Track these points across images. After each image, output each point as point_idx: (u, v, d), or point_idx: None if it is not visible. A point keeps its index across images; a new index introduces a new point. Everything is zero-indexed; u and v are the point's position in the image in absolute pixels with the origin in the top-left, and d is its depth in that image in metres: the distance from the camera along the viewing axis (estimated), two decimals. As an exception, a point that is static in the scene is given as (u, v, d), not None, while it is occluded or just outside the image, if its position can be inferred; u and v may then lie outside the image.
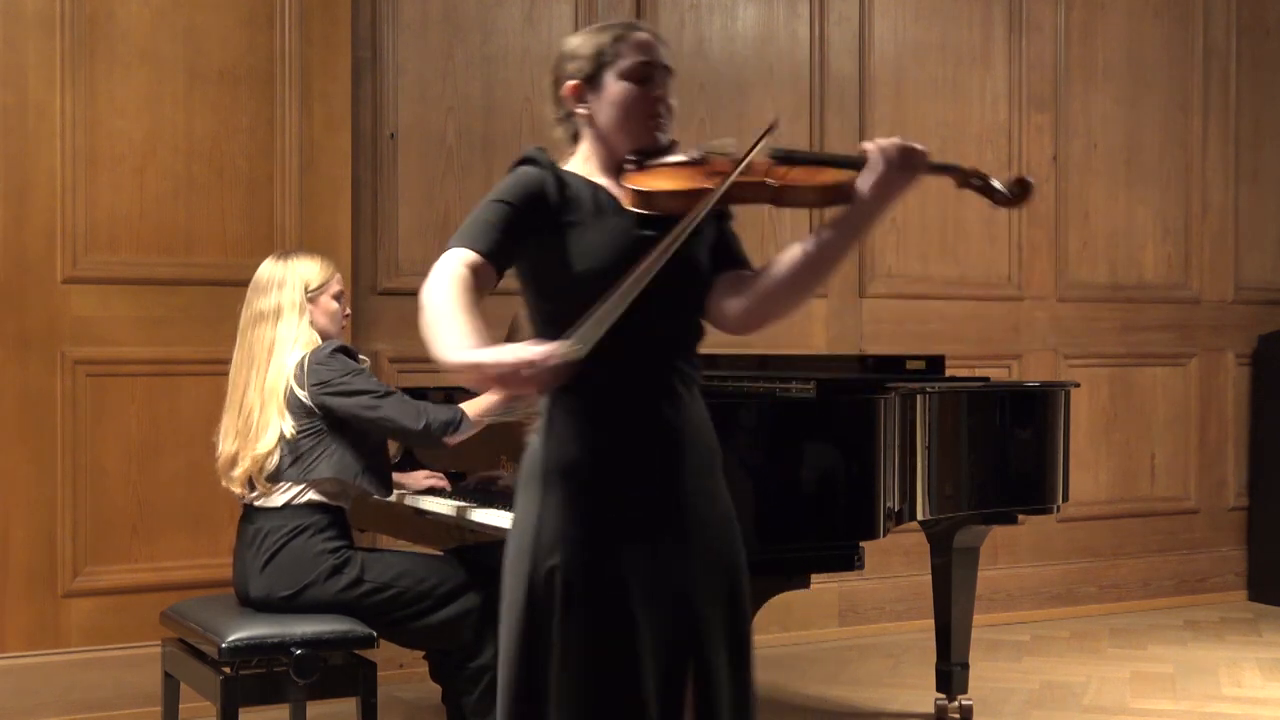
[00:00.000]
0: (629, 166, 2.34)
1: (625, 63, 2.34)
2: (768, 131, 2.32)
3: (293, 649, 3.31)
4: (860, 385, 3.96)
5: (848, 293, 5.79)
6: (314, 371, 3.52)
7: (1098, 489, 6.33)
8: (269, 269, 3.66)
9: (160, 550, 4.55)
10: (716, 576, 2.29)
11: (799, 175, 2.32)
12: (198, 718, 4.13)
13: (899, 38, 5.92)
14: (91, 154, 4.46)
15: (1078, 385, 4.72)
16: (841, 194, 2.27)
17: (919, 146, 2.25)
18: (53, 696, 4.40)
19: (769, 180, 2.30)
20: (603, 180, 2.34)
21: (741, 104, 5.59)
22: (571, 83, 2.36)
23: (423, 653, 3.96)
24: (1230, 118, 6.66)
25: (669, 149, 2.37)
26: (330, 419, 3.53)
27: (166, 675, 3.66)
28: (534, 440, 2.30)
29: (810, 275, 2.27)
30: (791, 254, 2.27)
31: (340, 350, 3.57)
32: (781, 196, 2.31)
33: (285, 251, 3.78)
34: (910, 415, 3.68)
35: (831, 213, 2.30)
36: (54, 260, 4.42)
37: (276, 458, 3.52)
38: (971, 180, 2.36)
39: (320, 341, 3.60)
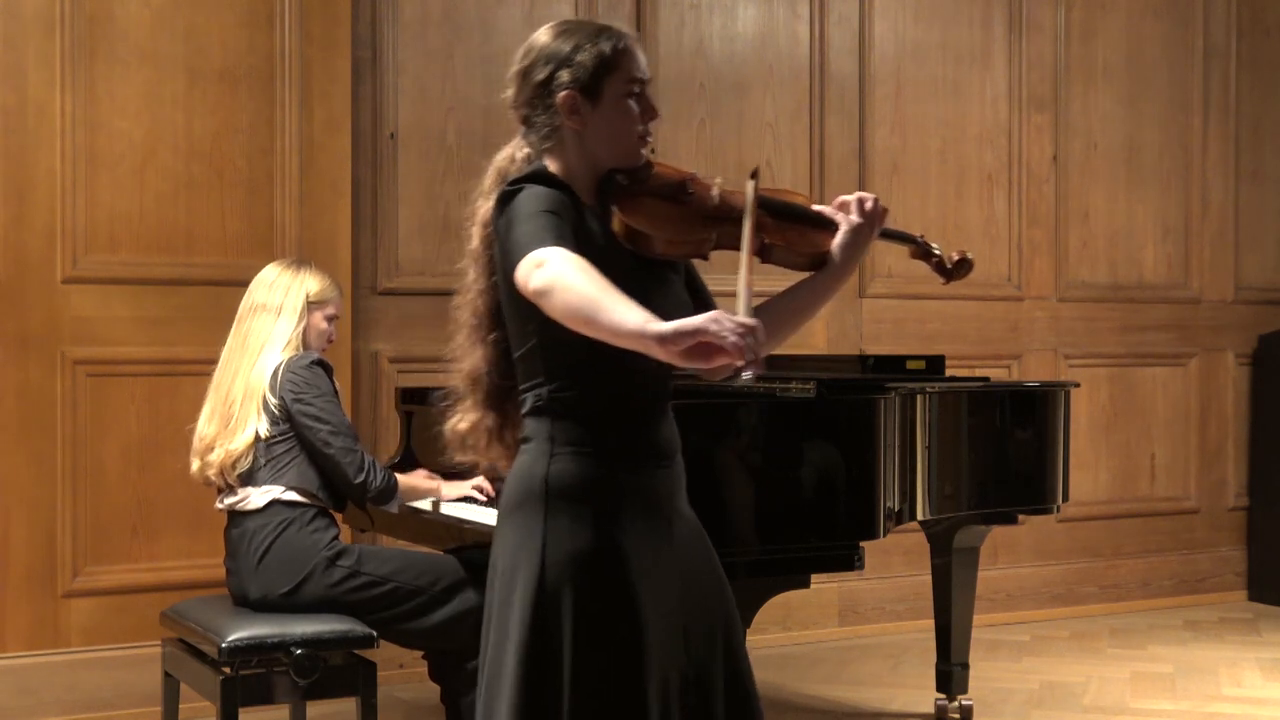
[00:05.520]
0: (619, 189, 2.22)
1: (627, 78, 2.23)
2: (754, 176, 2.21)
3: (292, 649, 3.31)
4: (860, 385, 3.95)
5: (848, 293, 5.78)
6: (288, 379, 3.56)
7: (1098, 489, 6.33)
8: (276, 272, 3.71)
9: (160, 550, 4.55)
10: (703, 589, 2.28)
11: (789, 237, 2.34)
12: (198, 718, 4.13)
13: (899, 38, 5.91)
14: (91, 154, 4.46)
15: (1078, 385, 4.73)
16: (821, 260, 2.34)
17: (881, 204, 2.33)
18: (53, 696, 4.40)
19: (763, 236, 2.29)
20: (587, 200, 2.22)
21: (741, 104, 5.59)
22: (567, 92, 2.21)
23: (422, 653, 3.96)
24: (1230, 118, 6.66)
25: (651, 166, 2.27)
26: (298, 430, 3.57)
27: (166, 675, 3.66)
28: (525, 463, 2.21)
29: (790, 332, 2.35)
30: (774, 312, 2.31)
31: (318, 364, 3.60)
32: (770, 252, 2.31)
33: (298, 261, 3.83)
34: (910, 415, 3.68)
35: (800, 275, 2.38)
36: (54, 260, 4.42)
37: (250, 459, 3.54)
38: (923, 252, 2.48)
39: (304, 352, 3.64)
